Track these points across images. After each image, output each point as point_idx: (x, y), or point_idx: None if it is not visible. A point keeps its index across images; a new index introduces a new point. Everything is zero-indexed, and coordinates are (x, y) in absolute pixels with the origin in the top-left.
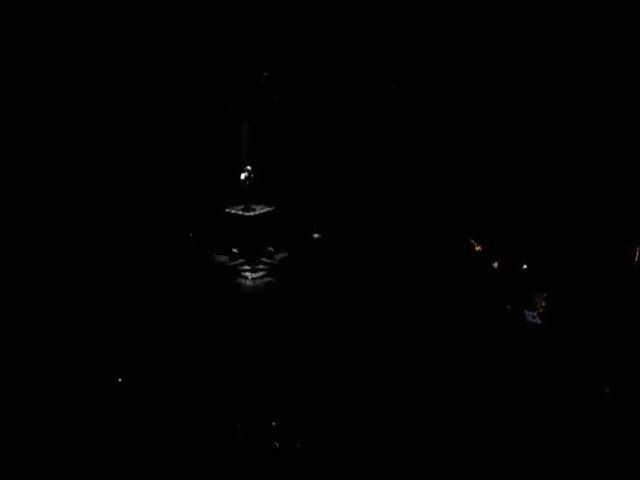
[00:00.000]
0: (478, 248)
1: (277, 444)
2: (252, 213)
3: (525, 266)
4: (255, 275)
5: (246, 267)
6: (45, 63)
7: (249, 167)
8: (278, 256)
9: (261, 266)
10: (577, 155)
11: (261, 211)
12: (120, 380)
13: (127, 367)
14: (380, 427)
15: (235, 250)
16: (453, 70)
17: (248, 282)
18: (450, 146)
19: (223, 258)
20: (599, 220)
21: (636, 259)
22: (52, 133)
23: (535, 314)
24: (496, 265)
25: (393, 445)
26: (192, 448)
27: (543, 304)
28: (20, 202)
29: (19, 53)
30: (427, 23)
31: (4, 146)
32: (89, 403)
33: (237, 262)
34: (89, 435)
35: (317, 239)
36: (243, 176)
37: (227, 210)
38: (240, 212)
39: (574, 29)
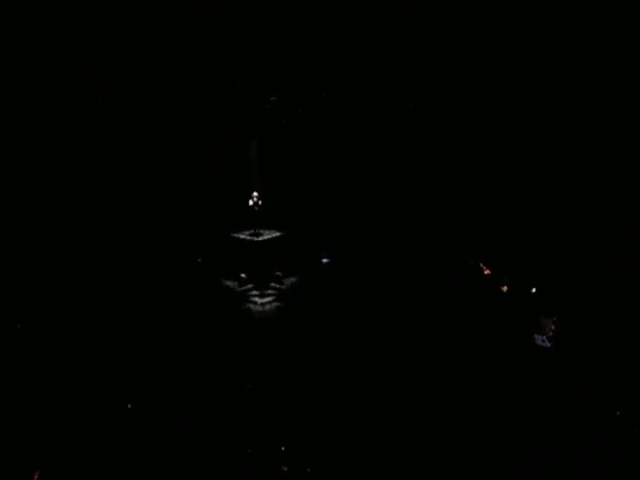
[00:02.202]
0: (487, 272)
1: (286, 468)
2: (260, 238)
3: (534, 289)
4: (264, 300)
5: (255, 292)
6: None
7: (255, 193)
8: (287, 281)
9: (270, 291)
10: (587, 179)
11: (269, 236)
12: (129, 406)
13: (136, 390)
14: (391, 452)
15: (244, 275)
16: (470, 92)
17: (257, 307)
18: (459, 171)
19: (231, 283)
20: (609, 243)
21: None
22: (55, 152)
23: (544, 338)
24: (505, 289)
25: (404, 471)
26: (201, 470)
27: (553, 328)
28: (28, 232)
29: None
30: (441, 43)
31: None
32: (96, 423)
33: (246, 287)
34: (95, 455)
35: (326, 264)
36: (251, 202)
37: (235, 235)
38: (248, 237)
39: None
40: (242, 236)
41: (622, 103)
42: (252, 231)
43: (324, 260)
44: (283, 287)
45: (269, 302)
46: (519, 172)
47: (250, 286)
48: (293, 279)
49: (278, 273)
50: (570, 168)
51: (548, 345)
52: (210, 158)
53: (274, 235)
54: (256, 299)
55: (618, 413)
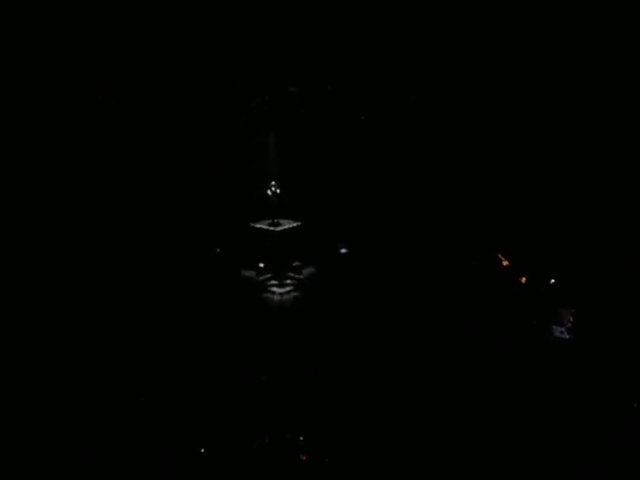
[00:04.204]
0: (506, 263)
1: (304, 457)
2: (279, 228)
3: (553, 281)
4: (282, 290)
5: (273, 282)
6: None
7: (273, 182)
8: (305, 271)
9: (288, 281)
10: (604, 172)
11: (288, 226)
12: (143, 399)
13: (153, 381)
14: (407, 443)
15: (262, 265)
16: (474, 83)
17: (275, 297)
18: (478, 161)
19: (250, 273)
20: (628, 235)
21: None
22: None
23: (563, 329)
24: (524, 280)
25: (419, 464)
26: (217, 460)
27: (571, 319)
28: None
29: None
30: (446, 35)
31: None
32: (109, 416)
33: (264, 277)
34: (107, 450)
35: (344, 254)
36: (269, 192)
37: (254, 225)
38: (267, 227)
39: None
40: (261, 226)
41: (622, 104)
42: (271, 221)
43: (342, 250)
44: (301, 277)
45: (287, 292)
46: (541, 169)
47: (268, 276)
48: (311, 269)
49: (296, 263)
50: (588, 166)
51: (567, 337)
52: (221, 151)
53: (293, 225)
54: (274, 289)
55: (635, 405)
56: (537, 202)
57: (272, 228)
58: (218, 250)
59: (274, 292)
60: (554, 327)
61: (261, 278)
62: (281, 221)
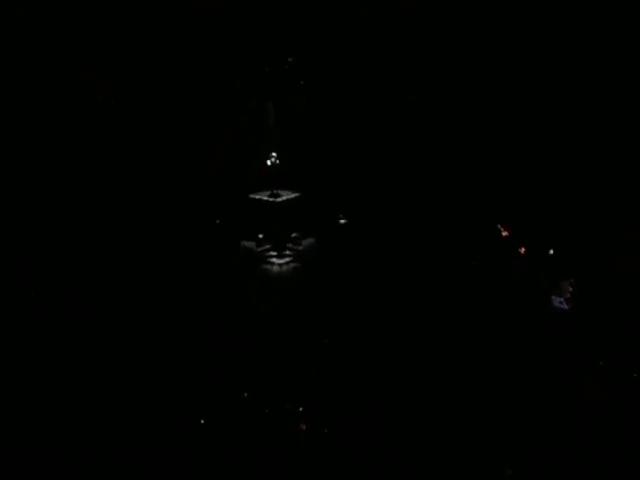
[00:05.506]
0: (505, 233)
1: (303, 425)
2: (278, 199)
3: (552, 251)
4: (281, 261)
5: (272, 253)
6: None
7: (274, 153)
8: (304, 242)
9: (287, 252)
10: (606, 142)
11: (287, 197)
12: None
13: (150, 353)
14: (409, 416)
15: (261, 236)
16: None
17: (275, 268)
18: (478, 133)
19: (249, 244)
20: (629, 206)
21: None
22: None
23: (562, 299)
24: (523, 250)
25: (420, 438)
26: (216, 432)
27: (570, 289)
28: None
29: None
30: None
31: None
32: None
33: (263, 248)
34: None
35: (344, 225)
36: (269, 162)
37: (253, 196)
38: (266, 198)
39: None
40: (260, 197)
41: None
42: (270, 192)
43: (342, 221)
44: (300, 248)
45: (286, 263)
46: (539, 140)
47: (267, 247)
48: (311, 240)
49: (295, 234)
50: (589, 137)
51: (566, 307)
52: (228, 121)
53: (292, 196)
54: (274, 260)
55: (635, 375)
56: (537, 171)
57: (272, 199)
58: (217, 221)
59: (273, 263)
60: (553, 297)
61: (260, 249)
62: (281, 192)
